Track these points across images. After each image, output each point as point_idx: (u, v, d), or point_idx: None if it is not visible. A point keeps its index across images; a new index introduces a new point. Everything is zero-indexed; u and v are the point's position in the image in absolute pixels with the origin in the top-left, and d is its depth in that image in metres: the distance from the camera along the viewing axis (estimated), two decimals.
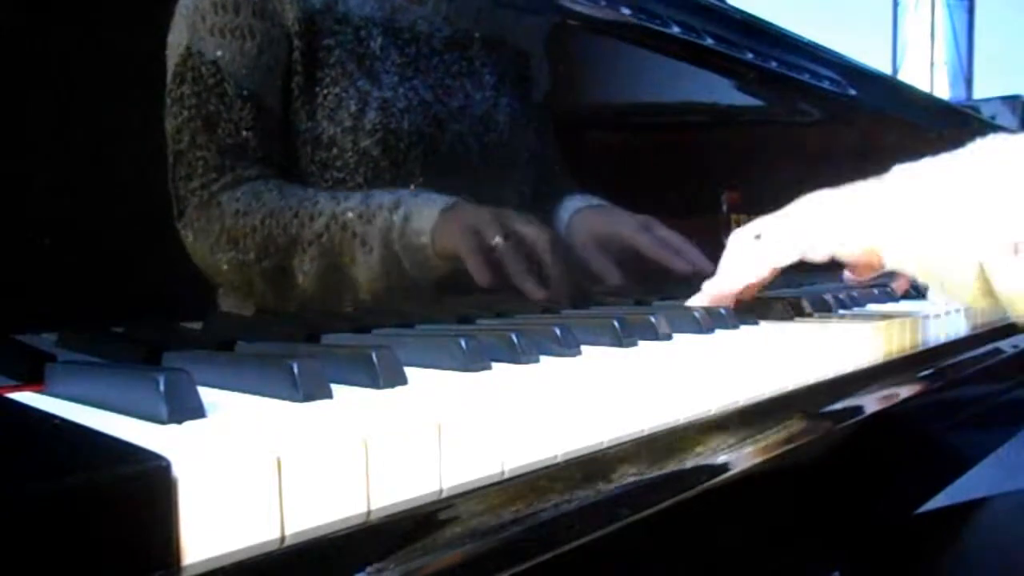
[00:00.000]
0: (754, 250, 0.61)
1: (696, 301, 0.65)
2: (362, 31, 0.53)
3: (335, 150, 0.51)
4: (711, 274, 0.67)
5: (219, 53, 0.46)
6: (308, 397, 0.34)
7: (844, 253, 0.58)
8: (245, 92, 0.47)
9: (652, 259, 0.78)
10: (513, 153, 0.64)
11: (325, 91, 0.51)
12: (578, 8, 0.70)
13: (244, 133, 0.47)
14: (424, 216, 0.53)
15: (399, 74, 0.55)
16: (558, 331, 0.48)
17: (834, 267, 0.70)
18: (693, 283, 0.68)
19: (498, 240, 0.57)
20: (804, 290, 0.85)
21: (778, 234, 0.61)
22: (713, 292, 0.64)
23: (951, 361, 0.66)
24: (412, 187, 0.54)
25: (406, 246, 0.52)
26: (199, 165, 0.45)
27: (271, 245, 0.47)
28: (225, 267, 0.46)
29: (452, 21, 0.60)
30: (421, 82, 0.56)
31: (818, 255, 0.59)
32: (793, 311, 0.69)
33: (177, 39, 0.45)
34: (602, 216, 0.74)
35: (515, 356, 0.44)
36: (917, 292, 0.87)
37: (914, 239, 0.53)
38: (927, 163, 0.57)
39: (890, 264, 0.55)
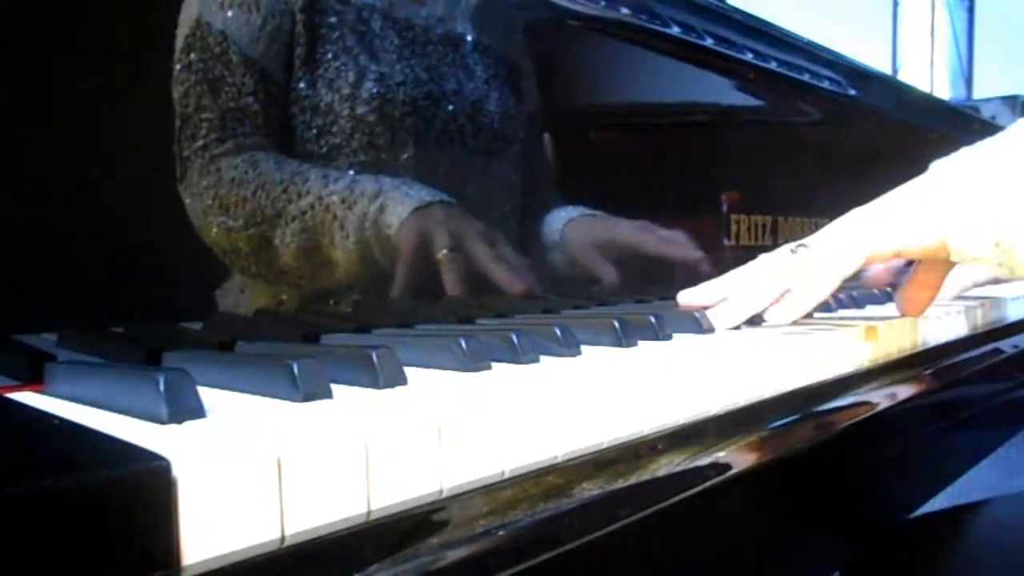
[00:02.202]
0: (811, 262, 0.58)
1: (726, 317, 0.61)
2: (363, 10, 0.55)
3: (332, 116, 0.53)
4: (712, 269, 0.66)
5: (227, 26, 0.48)
6: (308, 397, 0.34)
7: (910, 246, 0.57)
8: (250, 61, 0.49)
9: (655, 256, 0.77)
10: (504, 139, 0.65)
11: (325, 63, 0.53)
12: (578, 7, 0.70)
13: (247, 99, 0.49)
14: (396, 211, 0.54)
15: (396, 51, 0.57)
16: (558, 331, 0.48)
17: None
18: (696, 278, 0.68)
19: (443, 253, 0.57)
20: None
21: (838, 240, 0.59)
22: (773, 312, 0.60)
23: (950, 361, 0.66)
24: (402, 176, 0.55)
25: (377, 236, 0.53)
26: (203, 128, 0.47)
27: (259, 215, 0.49)
28: (215, 231, 0.47)
29: (451, 11, 0.61)
30: (418, 61, 0.58)
31: (884, 252, 0.58)
32: None
33: (188, 18, 0.47)
34: (598, 222, 0.74)
35: (515, 356, 0.44)
36: None
37: (983, 221, 0.52)
38: (977, 149, 0.57)
39: (956, 249, 0.54)
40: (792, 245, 0.62)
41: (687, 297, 0.64)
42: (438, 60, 0.59)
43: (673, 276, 0.79)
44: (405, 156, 0.57)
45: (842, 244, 0.59)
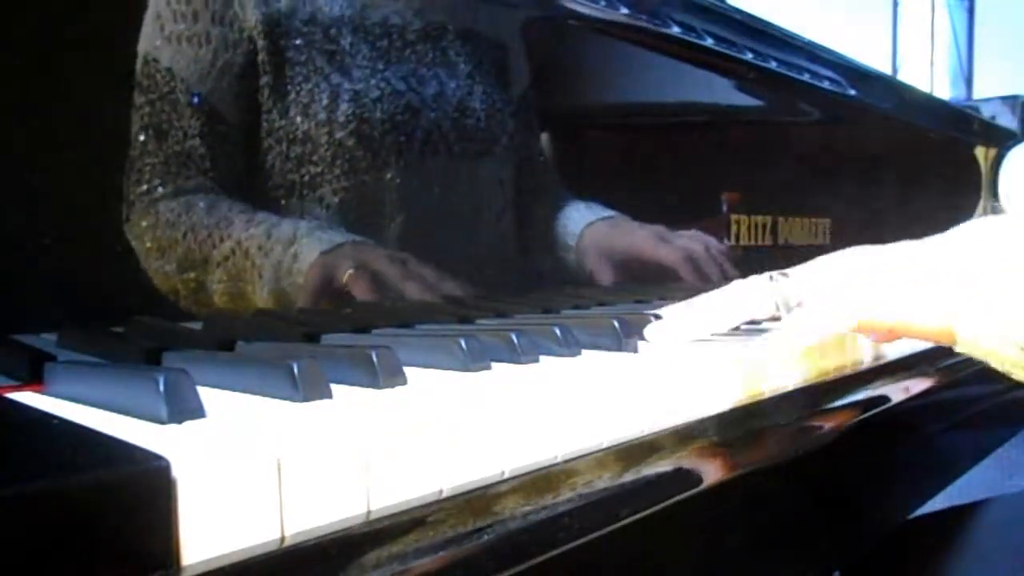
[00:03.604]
0: (801, 318, 0.50)
1: (667, 333, 0.53)
2: (331, 27, 0.53)
3: (310, 144, 0.52)
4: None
5: (175, 61, 0.46)
6: (308, 397, 0.34)
7: (908, 326, 0.48)
8: (197, 100, 0.47)
9: (675, 268, 0.77)
10: (494, 145, 0.64)
11: (296, 88, 0.51)
12: (576, 7, 0.70)
13: (193, 142, 0.47)
14: (307, 258, 0.53)
15: (370, 67, 0.55)
16: (558, 331, 0.48)
17: None
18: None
19: (349, 273, 0.56)
20: None
21: (828, 296, 0.50)
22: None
23: (950, 361, 0.66)
24: (314, 218, 0.54)
25: (291, 284, 0.52)
26: (147, 172, 0.45)
27: (189, 259, 0.48)
28: (151, 275, 0.46)
29: (442, 15, 0.60)
30: (393, 73, 0.57)
31: (878, 325, 0.49)
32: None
33: (142, 46, 0.45)
34: (619, 230, 0.72)
35: (515, 356, 0.44)
36: None
37: (1003, 315, 0.44)
38: (996, 221, 0.48)
39: (964, 340, 0.46)
40: (770, 275, 0.54)
41: (654, 326, 0.56)
42: (416, 66, 0.58)
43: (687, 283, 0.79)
44: (388, 175, 0.56)
45: (831, 305, 0.49)
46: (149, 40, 0.45)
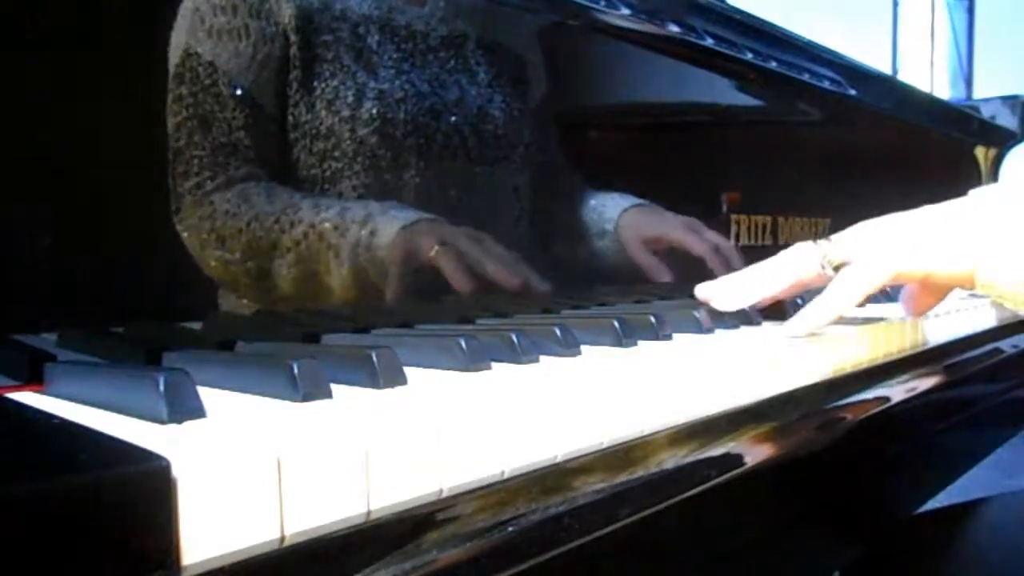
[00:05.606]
0: (844, 277, 0.57)
1: (730, 298, 0.62)
2: (359, 25, 0.54)
3: (333, 140, 0.53)
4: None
5: (216, 54, 0.47)
6: (308, 397, 0.34)
7: (939, 272, 0.56)
8: (239, 93, 0.48)
9: (700, 257, 0.81)
10: (508, 147, 0.65)
11: (323, 84, 0.52)
12: (578, 7, 0.70)
13: (237, 134, 0.48)
14: (385, 232, 0.55)
15: (396, 67, 0.56)
16: (558, 331, 0.48)
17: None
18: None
19: (435, 249, 0.58)
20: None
21: (867, 253, 0.58)
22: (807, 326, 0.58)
23: (951, 361, 0.66)
24: (394, 198, 0.56)
25: (371, 260, 0.54)
26: (195, 164, 0.46)
27: (255, 247, 0.49)
28: (213, 264, 0.47)
29: (449, 17, 0.60)
30: (418, 75, 0.57)
31: (912, 273, 0.57)
32: (793, 311, 0.68)
33: (178, 40, 0.46)
34: (652, 216, 0.77)
35: (515, 356, 0.44)
36: None
37: (1015, 258, 0.52)
38: (1007, 187, 0.56)
39: (983, 283, 0.53)
40: (815, 240, 0.61)
41: (705, 291, 0.65)
42: (439, 70, 0.59)
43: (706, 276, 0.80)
44: (408, 174, 0.57)
45: (870, 260, 0.57)
46: (188, 33, 0.46)
